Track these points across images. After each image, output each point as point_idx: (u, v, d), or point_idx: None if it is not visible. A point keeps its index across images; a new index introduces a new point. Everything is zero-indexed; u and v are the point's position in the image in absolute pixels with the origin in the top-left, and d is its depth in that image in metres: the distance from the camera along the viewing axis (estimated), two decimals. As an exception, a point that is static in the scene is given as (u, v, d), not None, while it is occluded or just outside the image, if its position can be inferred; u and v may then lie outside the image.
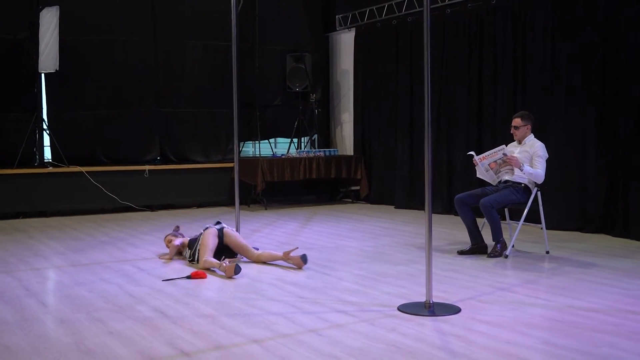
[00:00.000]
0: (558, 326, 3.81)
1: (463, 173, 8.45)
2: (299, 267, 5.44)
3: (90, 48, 9.37)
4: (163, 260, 5.78)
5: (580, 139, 7.20)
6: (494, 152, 5.98)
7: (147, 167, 9.45)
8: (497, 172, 6.03)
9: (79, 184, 8.97)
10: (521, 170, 5.80)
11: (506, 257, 5.82)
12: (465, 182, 8.20)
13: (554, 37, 7.46)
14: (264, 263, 5.63)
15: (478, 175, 6.16)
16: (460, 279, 5.04)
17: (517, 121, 6.08)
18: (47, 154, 9.33)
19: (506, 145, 6.06)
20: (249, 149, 10.96)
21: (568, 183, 7.28)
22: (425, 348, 3.43)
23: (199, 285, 4.90)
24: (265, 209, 9.57)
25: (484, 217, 5.91)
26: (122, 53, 9.59)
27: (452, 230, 7.36)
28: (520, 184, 5.95)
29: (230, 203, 9.01)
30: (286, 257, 5.53)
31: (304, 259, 5.46)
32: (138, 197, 9.37)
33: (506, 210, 6.26)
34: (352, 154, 10.60)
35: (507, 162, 5.89)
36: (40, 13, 8.70)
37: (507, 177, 6.01)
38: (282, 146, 11.19)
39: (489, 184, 6.21)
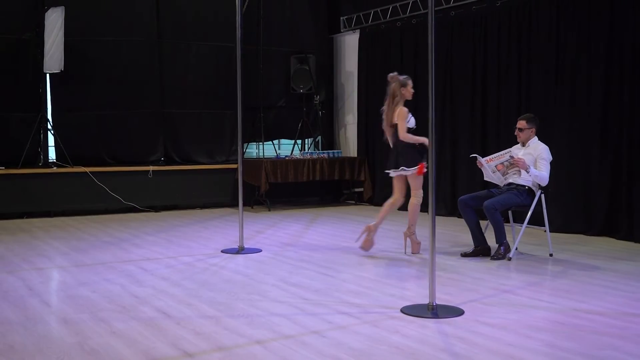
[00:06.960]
0: (561, 329, 3.81)
1: (467, 175, 8.43)
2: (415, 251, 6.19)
3: (95, 48, 9.38)
4: None
5: (585, 142, 7.18)
6: (501, 155, 5.99)
7: (151, 168, 9.46)
8: (504, 174, 6.04)
9: (83, 184, 8.97)
10: (528, 172, 5.80)
11: (509, 259, 5.81)
12: (469, 184, 8.19)
13: (558, 40, 7.45)
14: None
15: (485, 178, 6.16)
16: (464, 281, 5.03)
17: (522, 123, 6.07)
18: (52, 154, 9.34)
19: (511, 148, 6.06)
20: (253, 150, 10.95)
21: (572, 185, 7.26)
22: (428, 350, 3.43)
23: (203, 286, 4.90)
24: (269, 210, 9.57)
25: (487, 219, 5.91)
26: (127, 54, 9.60)
27: (455, 232, 7.35)
28: (524, 186, 5.94)
29: (234, 204, 9.03)
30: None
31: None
32: (142, 197, 9.38)
33: (510, 212, 6.25)
34: (355, 155, 10.59)
35: (514, 164, 5.89)
36: (46, 13, 8.72)
37: (513, 179, 6.01)
38: (285, 147, 11.19)
39: (493, 186, 6.21)
